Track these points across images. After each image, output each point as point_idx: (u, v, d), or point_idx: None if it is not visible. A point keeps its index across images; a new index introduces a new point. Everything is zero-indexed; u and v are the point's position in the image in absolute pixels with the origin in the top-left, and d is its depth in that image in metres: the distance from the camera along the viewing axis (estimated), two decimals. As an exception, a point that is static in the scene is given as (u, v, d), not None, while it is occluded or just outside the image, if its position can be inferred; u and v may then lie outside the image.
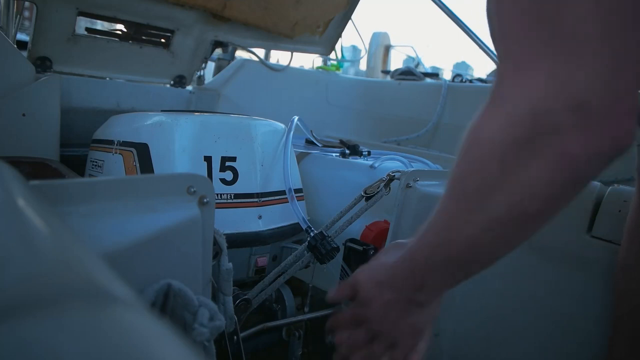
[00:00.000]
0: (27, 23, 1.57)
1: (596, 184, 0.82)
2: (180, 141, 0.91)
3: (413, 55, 3.33)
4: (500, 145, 0.41)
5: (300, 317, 0.97)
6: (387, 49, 4.19)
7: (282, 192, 1.01)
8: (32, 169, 1.04)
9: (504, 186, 0.42)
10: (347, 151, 1.26)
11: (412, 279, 0.56)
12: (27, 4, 1.36)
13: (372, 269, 0.63)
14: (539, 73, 0.38)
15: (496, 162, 0.42)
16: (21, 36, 1.78)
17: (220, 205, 0.91)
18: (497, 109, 0.42)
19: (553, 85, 0.37)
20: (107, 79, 1.63)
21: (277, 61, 3.08)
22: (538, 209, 0.43)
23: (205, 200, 0.55)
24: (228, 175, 0.94)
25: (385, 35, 4.29)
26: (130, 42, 1.54)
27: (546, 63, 0.38)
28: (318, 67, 2.46)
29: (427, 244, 0.53)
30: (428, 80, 2.07)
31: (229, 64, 2.04)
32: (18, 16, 1.48)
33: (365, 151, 1.30)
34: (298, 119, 1.11)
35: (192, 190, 0.54)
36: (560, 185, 0.41)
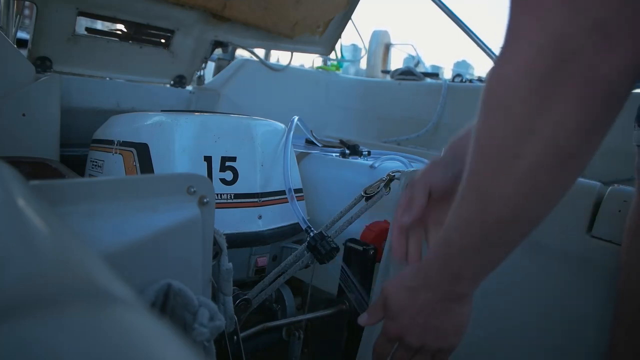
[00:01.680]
0: (27, 21, 1.57)
1: (596, 183, 0.82)
2: (180, 141, 0.91)
3: (413, 53, 3.33)
4: (526, 82, 0.40)
5: (300, 317, 0.97)
6: (387, 47, 4.19)
7: (282, 192, 1.01)
8: (32, 169, 1.04)
9: (536, 126, 0.40)
10: (347, 151, 1.26)
11: (447, 268, 0.54)
12: (27, 3, 1.36)
13: (399, 278, 0.60)
14: (553, 3, 0.38)
15: (524, 101, 0.41)
16: (21, 34, 1.78)
17: (220, 205, 0.91)
18: (516, 47, 0.41)
19: (569, 10, 0.37)
20: (107, 79, 1.63)
21: (277, 61, 3.08)
22: (576, 143, 0.41)
23: (205, 200, 0.55)
24: (228, 175, 0.94)
25: (385, 34, 4.28)
26: (130, 42, 1.54)
27: None
28: (318, 67, 2.46)
29: (460, 221, 0.50)
30: (428, 80, 2.07)
31: (229, 64, 2.04)
32: (18, 16, 1.48)
33: (365, 151, 1.30)
34: (298, 119, 1.11)
35: (192, 190, 0.54)
36: (594, 110, 0.39)
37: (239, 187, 0.94)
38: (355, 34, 2.07)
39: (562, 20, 0.38)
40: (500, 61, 0.42)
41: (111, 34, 1.53)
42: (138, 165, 0.92)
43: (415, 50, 3.32)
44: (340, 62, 2.46)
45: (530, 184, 0.43)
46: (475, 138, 0.46)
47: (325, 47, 1.95)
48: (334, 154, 1.26)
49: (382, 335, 0.63)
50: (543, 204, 0.46)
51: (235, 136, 0.96)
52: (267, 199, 0.98)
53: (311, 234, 0.91)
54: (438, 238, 0.54)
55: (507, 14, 0.42)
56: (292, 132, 1.05)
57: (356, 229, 1.00)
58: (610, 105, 0.39)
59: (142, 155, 0.92)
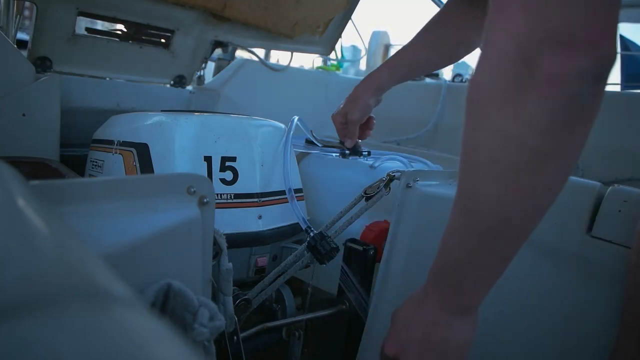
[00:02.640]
0: (27, 22, 1.57)
1: (596, 183, 0.82)
2: (180, 141, 0.91)
3: (413, 55, 3.33)
4: (497, 87, 0.43)
5: (300, 317, 0.97)
6: (387, 48, 4.19)
7: (282, 192, 1.01)
8: (32, 169, 1.04)
9: (510, 129, 0.42)
10: (347, 151, 1.26)
11: (447, 277, 0.53)
12: (27, 3, 1.36)
13: (409, 296, 0.60)
14: (520, 11, 0.41)
15: (497, 105, 0.43)
16: (21, 35, 1.78)
17: (220, 205, 0.91)
18: (487, 53, 0.43)
19: (532, 19, 0.40)
20: (107, 79, 1.62)
21: (277, 61, 3.07)
22: (548, 143, 0.42)
23: (205, 200, 0.55)
24: (228, 175, 0.94)
25: (385, 34, 4.28)
26: (130, 42, 1.54)
27: (525, 2, 0.41)
28: (318, 67, 2.46)
29: (453, 227, 0.51)
30: (428, 80, 2.07)
31: (229, 64, 2.04)
32: (18, 16, 1.48)
33: (365, 151, 1.30)
34: (298, 119, 1.11)
35: (192, 190, 0.54)
36: (561, 111, 0.41)
37: (239, 187, 0.94)
38: (355, 35, 2.07)
39: (526, 29, 0.40)
40: (476, 69, 0.44)
41: (111, 34, 1.53)
42: (138, 165, 0.92)
43: (415, 50, 3.32)
44: (340, 63, 2.46)
45: (512, 187, 0.44)
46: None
47: (325, 47, 1.95)
48: (334, 154, 1.26)
49: (380, 356, 0.61)
50: (529, 207, 0.46)
51: (235, 136, 0.96)
52: (267, 199, 0.98)
53: (311, 234, 0.91)
54: (439, 246, 0.54)
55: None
56: (292, 132, 1.05)
57: (356, 229, 1.00)
58: (576, 106, 0.41)
59: (142, 155, 0.92)
